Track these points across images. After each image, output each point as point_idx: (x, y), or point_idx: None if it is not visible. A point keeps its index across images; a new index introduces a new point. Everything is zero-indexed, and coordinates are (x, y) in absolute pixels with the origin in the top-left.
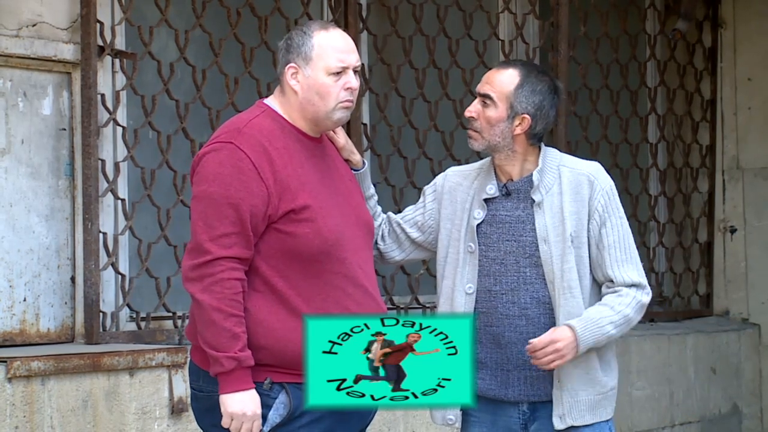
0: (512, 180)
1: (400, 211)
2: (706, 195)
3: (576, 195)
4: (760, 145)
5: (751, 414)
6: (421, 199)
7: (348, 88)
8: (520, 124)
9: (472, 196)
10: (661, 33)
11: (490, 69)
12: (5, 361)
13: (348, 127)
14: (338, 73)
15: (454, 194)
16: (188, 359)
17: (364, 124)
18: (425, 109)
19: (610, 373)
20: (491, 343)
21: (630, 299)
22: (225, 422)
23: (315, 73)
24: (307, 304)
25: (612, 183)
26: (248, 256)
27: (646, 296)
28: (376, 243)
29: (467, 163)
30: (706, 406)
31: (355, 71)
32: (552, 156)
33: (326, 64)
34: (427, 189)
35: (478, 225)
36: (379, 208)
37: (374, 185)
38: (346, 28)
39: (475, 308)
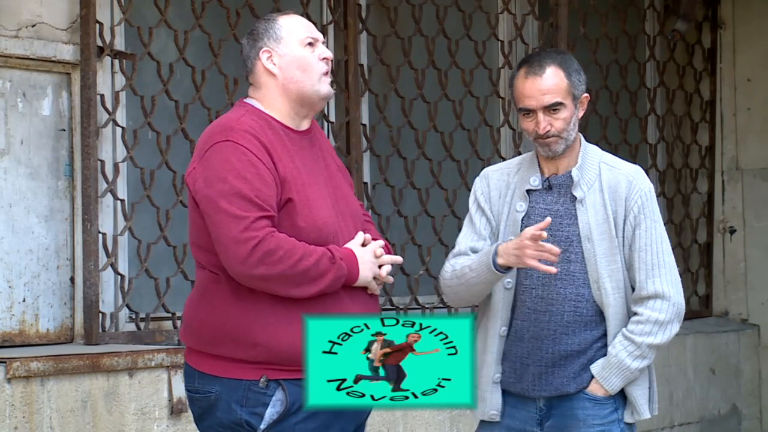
0: (556, 174)
1: (399, 212)
2: (706, 196)
3: (614, 194)
4: (760, 146)
5: (751, 415)
6: (477, 212)
7: (324, 59)
8: (582, 105)
9: (513, 189)
10: (660, 34)
11: (523, 80)
12: (5, 362)
13: (347, 128)
14: (311, 44)
15: (500, 191)
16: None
17: (364, 125)
18: (424, 110)
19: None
20: (514, 337)
21: (650, 327)
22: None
23: (290, 49)
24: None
25: (651, 186)
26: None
27: (668, 312)
28: None
29: (467, 164)
30: (706, 407)
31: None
32: (593, 152)
33: (297, 37)
34: (479, 198)
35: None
36: None
37: (374, 186)
38: (345, 29)
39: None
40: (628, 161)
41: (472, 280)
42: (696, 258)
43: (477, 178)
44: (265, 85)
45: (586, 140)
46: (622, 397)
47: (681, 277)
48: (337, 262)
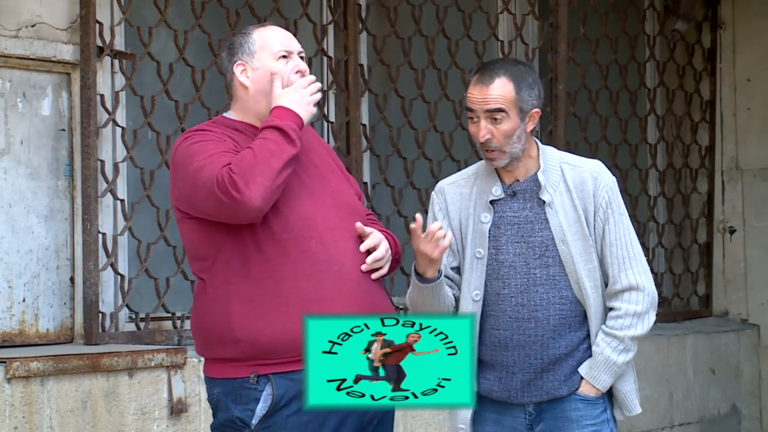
0: (518, 181)
1: (399, 212)
2: (706, 196)
3: (581, 192)
4: (759, 146)
5: (750, 415)
6: None
7: (298, 72)
8: (531, 120)
9: (474, 200)
10: (660, 34)
11: (473, 86)
12: (4, 362)
13: (347, 128)
14: (285, 57)
15: (458, 205)
16: (187, 359)
17: (364, 125)
18: (424, 110)
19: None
20: (497, 346)
21: (629, 320)
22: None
23: (262, 62)
24: (279, 287)
25: (614, 180)
26: None
27: (644, 303)
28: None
29: (466, 163)
30: (706, 407)
31: (301, 58)
32: (551, 154)
33: (270, 50)
34: (437, 215)
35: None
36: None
37: (374, 186)
38: (345, 29)
39: (482, 312)
40: (628, 160)
41: (418, 301)
42: (696, 258)
43: (433, 193)
44: (240, 97)
45: (587, 141)
46: (609, 397)
47: (681, 277)
48: (269, 124)
